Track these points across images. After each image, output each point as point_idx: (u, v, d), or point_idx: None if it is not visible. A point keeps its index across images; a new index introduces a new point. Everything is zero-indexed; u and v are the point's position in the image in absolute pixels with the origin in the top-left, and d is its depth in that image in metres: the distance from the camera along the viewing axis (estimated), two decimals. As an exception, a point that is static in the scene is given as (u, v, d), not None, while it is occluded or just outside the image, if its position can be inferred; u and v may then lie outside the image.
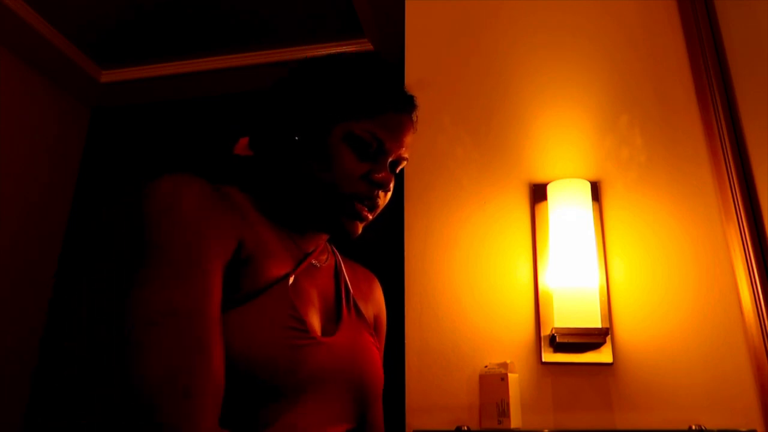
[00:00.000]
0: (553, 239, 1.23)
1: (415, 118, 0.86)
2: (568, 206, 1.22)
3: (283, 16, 2.28)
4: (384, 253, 1.51)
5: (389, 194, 0.84)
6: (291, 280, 0.75)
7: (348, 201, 0.78)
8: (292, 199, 0.81)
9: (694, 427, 1.10)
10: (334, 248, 0.96)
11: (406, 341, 1.24)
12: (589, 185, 1.25)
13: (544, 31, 1.45)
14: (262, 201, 0.82)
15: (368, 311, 0.94)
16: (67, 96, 2.67)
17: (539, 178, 1.32)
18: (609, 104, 1.36)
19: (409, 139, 0.84)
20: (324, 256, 0.89)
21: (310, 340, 0.72)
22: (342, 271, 0.91)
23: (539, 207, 1.29)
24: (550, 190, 1.26)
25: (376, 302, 1.00)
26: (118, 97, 2.71)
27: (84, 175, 2.69)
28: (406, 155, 0.85)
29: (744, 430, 1.09)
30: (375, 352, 0.87)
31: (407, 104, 0.84)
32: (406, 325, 1.25)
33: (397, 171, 0.86)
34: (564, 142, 1.35)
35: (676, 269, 1.22)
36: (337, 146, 0.78)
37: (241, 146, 0.85)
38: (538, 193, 1.31)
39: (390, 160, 0.82)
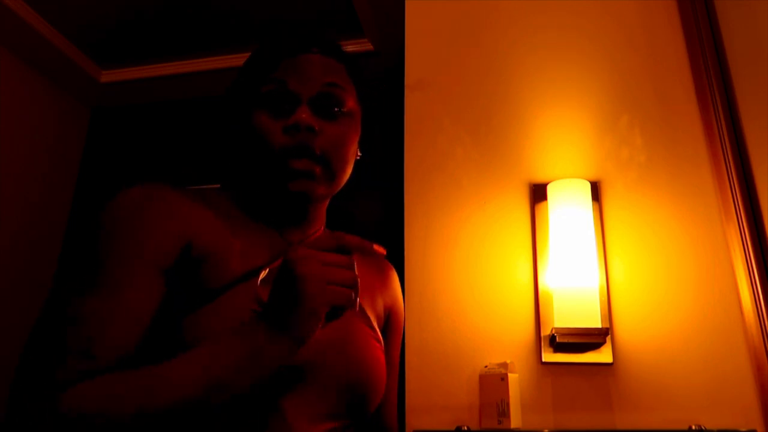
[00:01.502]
0: (553, 239, 1.23)
1: (321, 52, 0.84)
2: (568, 206, 1.22)
3: (283, 17, 2.28)
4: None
5: (346, 145, 0.82)
6: (264, 273, 0.74)
7: (282, 162, 0.78)
8: (250, 186, 0.84)
9: (694, 427, 1.09)
10: None
11: (406, 341, 1.24)
12: (589, 185, 1.25)
13: (544, 31, 1.45)
14: (238, 197, 0.85)
15: (376, 304, 0.92)
16: (67, 96, 2.67)
17: (539, 178, 1.32)
18: (609, 104, 1.36)
19: (320, 72, 0.82)
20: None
21: None
22: None
23: (539, 207, 1.29)
24: (550, 190, 1.26)
25: (391, 294, 0.98)
26: (118, 97, 2.71)
27: (84, 175, 2.69)
28: (329, 87, 0.82)
29: (744, 430, 1.09)
30: (374, 345, 0.83)
31: (298, 44, 0.83)
32: (406, 325, 1.25)
33: (350, 105, 0.84)
34: (564, 142, 1.35)
35: (676, 269, 1.22)
36: (255, 119, 0.80)
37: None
38: (538, 193, 1.31)
39: (309, 97, 0.80)
